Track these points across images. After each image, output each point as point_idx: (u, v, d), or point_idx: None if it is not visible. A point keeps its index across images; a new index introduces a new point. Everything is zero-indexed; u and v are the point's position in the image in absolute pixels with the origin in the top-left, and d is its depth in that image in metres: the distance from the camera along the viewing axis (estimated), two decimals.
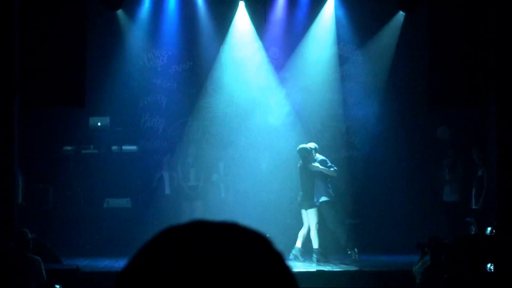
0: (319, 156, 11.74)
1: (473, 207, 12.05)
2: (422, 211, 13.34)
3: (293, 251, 11.53)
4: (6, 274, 6.53)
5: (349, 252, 11.51)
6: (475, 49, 13.27)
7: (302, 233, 11.62)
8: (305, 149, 11.62)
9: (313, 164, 11.53)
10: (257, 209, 13.19)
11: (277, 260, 1.24)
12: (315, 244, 11.42)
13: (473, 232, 11.22)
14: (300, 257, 11.47)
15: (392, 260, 11.73)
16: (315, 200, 11.56)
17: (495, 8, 12.72)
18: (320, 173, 11.58)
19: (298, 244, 11.56)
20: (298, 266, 11.03)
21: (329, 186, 11.60)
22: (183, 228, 1.22)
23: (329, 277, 10.34)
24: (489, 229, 10.29)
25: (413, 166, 13.72)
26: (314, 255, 11.37)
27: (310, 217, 11.50)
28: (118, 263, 11.28)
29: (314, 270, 10.58)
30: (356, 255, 11.40)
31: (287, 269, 1.24)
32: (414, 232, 12.55)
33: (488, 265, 8.64)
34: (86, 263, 11.03)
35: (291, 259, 11.38)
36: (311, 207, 11.49)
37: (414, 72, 13.70)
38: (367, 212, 13.58)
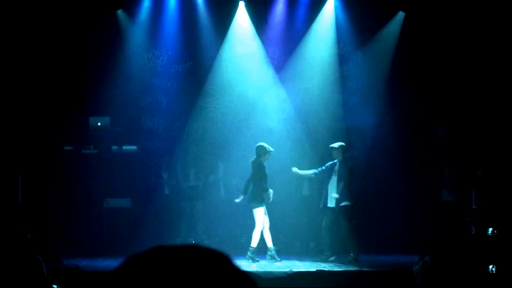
0: (344, 161, 11.74)
1: (473, 207, 12.04)
2: (422, 211, 13.33)
3: (269, 253, 11.47)
4: (7, 274, 6.52)
5: (351, 254, 11.53)
6: (475, 49, 13.28)
7: (266, 233, 11.54)
8: (262, 147, 11.64)
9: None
10: None
11: (241, 276, 1.26)
12: (254, 243, 11.45)
13: (473, 232, 11.22)
14: (277, 257, 11.44)
15: (392, 260, 11.73)
16: (335, 204, 11.52)
17: (494, 8, 12.74)
18: (344, 177, 11.57)
19: (270, 244, 11.54)
20: (298, 266, 11.03)
21: (349, 190, 11.60)
22: (147, 256, 1.27)
23: (329, 277, 10.33)
24: (490, 229, 10.28)
25: (413, 165, 13.72)
26: (249, 253, 11.42)
27: (257, 216, 11.47)
28: (118, 263, 11.27)
29: (314, 270, 10.57)
30: (355, 260, 11.42)
31: (251, 283, 1.28)
32: (414, 232, 12.56)
33: (490, 267, 8.64)
34: (86, 263, 11.03)
35: (268, 261, 11.33)
36: (258, 206, 11.47)
37: (414, 72, 13.70)
38: (367, 212, 13.57)
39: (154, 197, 13.45)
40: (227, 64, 13.80)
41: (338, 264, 11.22)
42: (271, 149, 11.68)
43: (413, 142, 13.80)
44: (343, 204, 11.56)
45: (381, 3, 13.69)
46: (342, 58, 13.99)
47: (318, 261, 11.46)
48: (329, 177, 11.76)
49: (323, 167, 11.87)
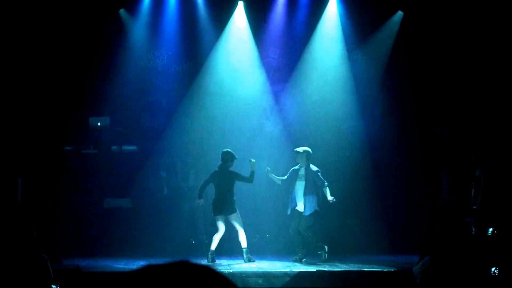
0: (313, 167, 11.64)
1: (473, 207, 12.04)
2: (422, 211, 13.34)
3: (210, 255, 11.39)
4: (13, 272, 6.52)
5: (319, 252, 11.47)
6: (474, 48, 13.28)
7: (218, 237, 11.48)
8: (231, 153, 11.58)
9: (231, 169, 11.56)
10: (257, 209, 13.19)
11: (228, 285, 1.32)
12: (244, 244, 11.44)
13: (473, 232, 11.22)
14: (215, 259, 11.40)
15: (392, 260, 11.73)
16: (312, 209, 11.45)
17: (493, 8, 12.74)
18: (314, 183, 11.47)
19: (213, 247, 11.49)
20: (298, 266, 11.04)
21: (319, 196, 11.55)
22: (136, 275, 1.30)
23: (329, 277, 10.33)
24: (490, 230, 10.28)
25: (413, 165, 13.72)
26: (244, 255, 11.39)
27: (236, 220, 11.46)
28: (118, 263, 11.28)
29: (314, 270, 10.57)
30: (326, 254, 11.39)
31: None
32: (414, 232, 12.56)
33: (493, 269, 8.62)
34: (86, 263, 11.03)
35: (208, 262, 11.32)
36: (234, 211, 11.47)
37: (413, 71, 13.70)
38: (367, 212, 13.57)
39: (154, 197, 13.45)
40: (227, 65, 13.79)
41: (337, 264, 11.23)
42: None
43: (413, 141, 13.80)
44: (315, 210, 11.47)
45: (380, 2, 13.70)
46: (341, 57, 13.99)
47: (293, 261, 11.38)
48: (294, 182, 11.56)
49: (287, 176, 11.67)
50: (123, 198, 13.43)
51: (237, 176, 11.58)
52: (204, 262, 11.17)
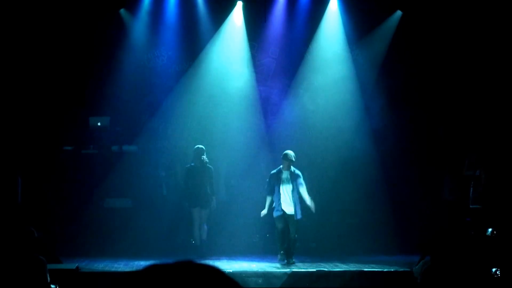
0: (295, 170, 11.42)
1: (471, 206, 12.04)
2: (422, 211, 13.33)
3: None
4: (11, 273, 6.51)
5: (292, 259, 11.34)
6: (474, 48, 13.29)
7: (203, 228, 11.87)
8: (202, 149, 11.99)
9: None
10: (257, 209, 13.18)
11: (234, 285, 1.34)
12: (198, 241, 11.89)
13: (473, 232, 11.22)
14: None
15: (392, 260, 11.73)
16: (300, 215, 11.39)
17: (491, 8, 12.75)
18: (298, 189, 11.34)
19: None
20: (298, 266, 11.03)
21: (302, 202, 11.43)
22: (142, 275, 1.31)
23: (329, 277, 10.33)
24: (489, 230, 10.28)
25: (413, 165, 13.71)
26: (205, 248, 11.79)
27: (206, 214, 11.95)
28: (118, 263, 11.27)
29: (314, 270, 10.57)
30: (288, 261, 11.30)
31: None
32: (414, 232, 12.56)
33: (494, 269, 8.61)
34: (86, 263, 11.02)
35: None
36: (209, 206, 11.98)
37: (413, 71, 13.69)
38: (366, 212, 13.56)
39: (154, 197, 13.45)
40: (227, 65, 13.79)
41: (337, 264, 11.23)
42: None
43: (413, 141, 13.78)
44: (300, 217, 11.33)
45: (379, 1, 13.70)
46: (341, 57, 13.98)
47: (285, 265, 11.26)
48: (277, 186, 11.29)
49: (267, 185, 11.48)
50: (123, 198, 13.42)
51: (210, 173, 12.04)
52: (207, 261, 11.20)
